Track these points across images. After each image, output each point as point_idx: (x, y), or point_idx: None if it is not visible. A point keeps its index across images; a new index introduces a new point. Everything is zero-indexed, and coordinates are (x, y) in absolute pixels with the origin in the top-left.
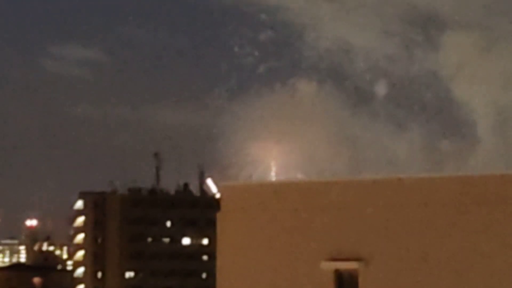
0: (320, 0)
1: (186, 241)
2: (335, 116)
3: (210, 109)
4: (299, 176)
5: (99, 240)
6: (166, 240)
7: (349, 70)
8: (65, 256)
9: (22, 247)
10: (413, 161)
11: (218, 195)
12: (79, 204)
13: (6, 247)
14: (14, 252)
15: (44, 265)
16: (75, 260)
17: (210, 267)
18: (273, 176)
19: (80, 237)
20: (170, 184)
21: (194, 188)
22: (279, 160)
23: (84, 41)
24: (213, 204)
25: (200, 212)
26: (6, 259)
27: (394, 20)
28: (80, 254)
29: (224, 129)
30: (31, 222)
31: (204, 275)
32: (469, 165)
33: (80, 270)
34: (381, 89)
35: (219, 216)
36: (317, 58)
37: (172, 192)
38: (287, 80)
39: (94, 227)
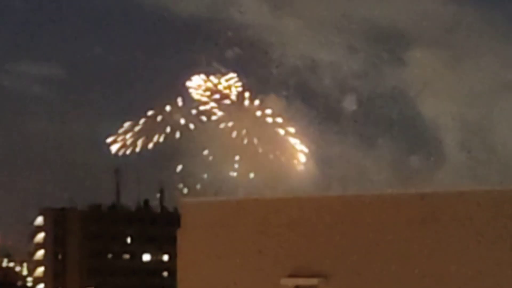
0: (283, 18)
1: (146, 257)
2: (305, 132)
3: (176, 126)
4: (267, 194)
5: (60, 257)
6: (126, 256)
7: (317, 86)
8: (25, 272)
9: None
10: (381, 177)
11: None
12: (39, 220)
13: None
14: None
15: (4, 281)
16: (35, 277)
17: (170, 284)
18: (240, 193)
19: (40, 253)
20: (130, 200)
21: (154, 205)
22: (247, 178)
23: (42, 58)
24: (173, 220)
25: (160, 228)
26: None
27: (358, 37)
28: (40, 270)
29: (192, 146)
30: None
31: None
32: (436, 181)
33: (41, 287)
34: (349, 105)
35: (179, 232)
36: (285, 75)
37: (133, 208)
38: (256, 97)
39: (54, 244)
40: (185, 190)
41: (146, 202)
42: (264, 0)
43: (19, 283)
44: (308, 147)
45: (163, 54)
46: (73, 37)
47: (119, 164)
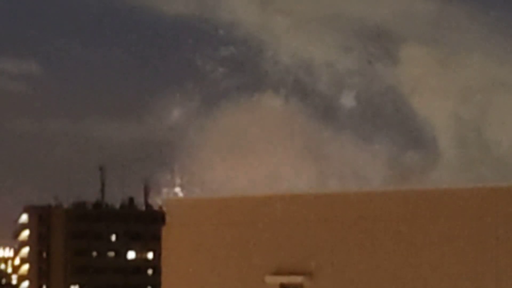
0: (274, 15)
1: (131, 255)
2: (302, 130)
3: (170, 124)
4: (265, 192)
5: (44, 254)
6: (111, 254)
7: (313, 84)
8: (9, 270)
9: None
10: (378, 173)
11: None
12: (24, 218)
13: None
14: None
15: None
16: (19, 274)
17: (155, 281)
18: (237, 192)
19: (25, 251)
20: (115, 198)
21: (139, 203)
22: (244, 176)
23: (19, 54)
24: (158, 218)
25: (145, 226)
26: None
27: (350, 34)
28: (24, 268)
29: (185, 145)
30: None
31: None
32: (430, 178)
33: (25, 285)
34: (346, 102)
35: (164, 230)
36: (281, 73)
37: (117, 206)
38: (252, 95)
39: (39, 241)
40: (177, 189)
41: (130, 199)
42: None
43: (4, 280)
44: (305, 144)
45: (149, 52)
46: (50, 33)
47: (104, 162)
